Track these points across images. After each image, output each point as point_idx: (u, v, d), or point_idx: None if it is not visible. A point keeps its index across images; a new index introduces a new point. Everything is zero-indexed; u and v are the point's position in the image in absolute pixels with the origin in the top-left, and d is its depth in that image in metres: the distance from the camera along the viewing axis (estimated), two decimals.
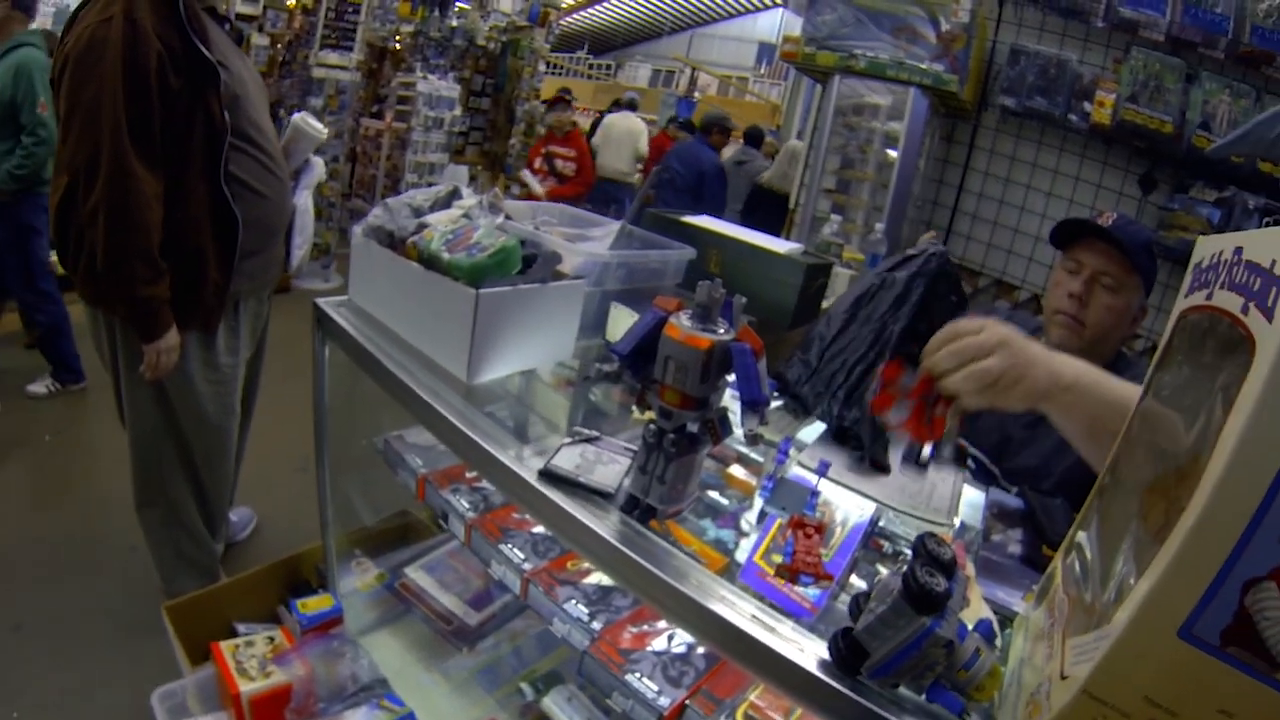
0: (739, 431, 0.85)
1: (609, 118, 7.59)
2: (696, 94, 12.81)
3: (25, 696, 1.96)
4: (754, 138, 7.23)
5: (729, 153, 6.90)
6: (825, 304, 2.14)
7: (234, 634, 1.83)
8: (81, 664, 2.09)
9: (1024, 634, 0.81)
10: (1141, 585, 0.50)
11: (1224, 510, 0.46)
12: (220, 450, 2.18)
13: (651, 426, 0.86)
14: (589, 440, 1.01)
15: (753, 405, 0.79)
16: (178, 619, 1.87)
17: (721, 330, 0.83)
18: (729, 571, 0.98)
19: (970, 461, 1.41)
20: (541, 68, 7.58)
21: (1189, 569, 0.47)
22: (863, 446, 1.22)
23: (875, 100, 3.50)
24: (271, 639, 1.69)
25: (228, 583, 2.07)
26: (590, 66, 16.52)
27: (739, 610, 0.78)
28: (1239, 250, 0.56)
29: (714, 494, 1.16)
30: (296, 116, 2.23)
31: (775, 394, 1.35)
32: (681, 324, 0.82)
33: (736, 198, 6.24)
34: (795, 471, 1.14)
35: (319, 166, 2.34)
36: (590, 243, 1.50)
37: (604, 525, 0.87)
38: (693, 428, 0.86)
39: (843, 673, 0.70)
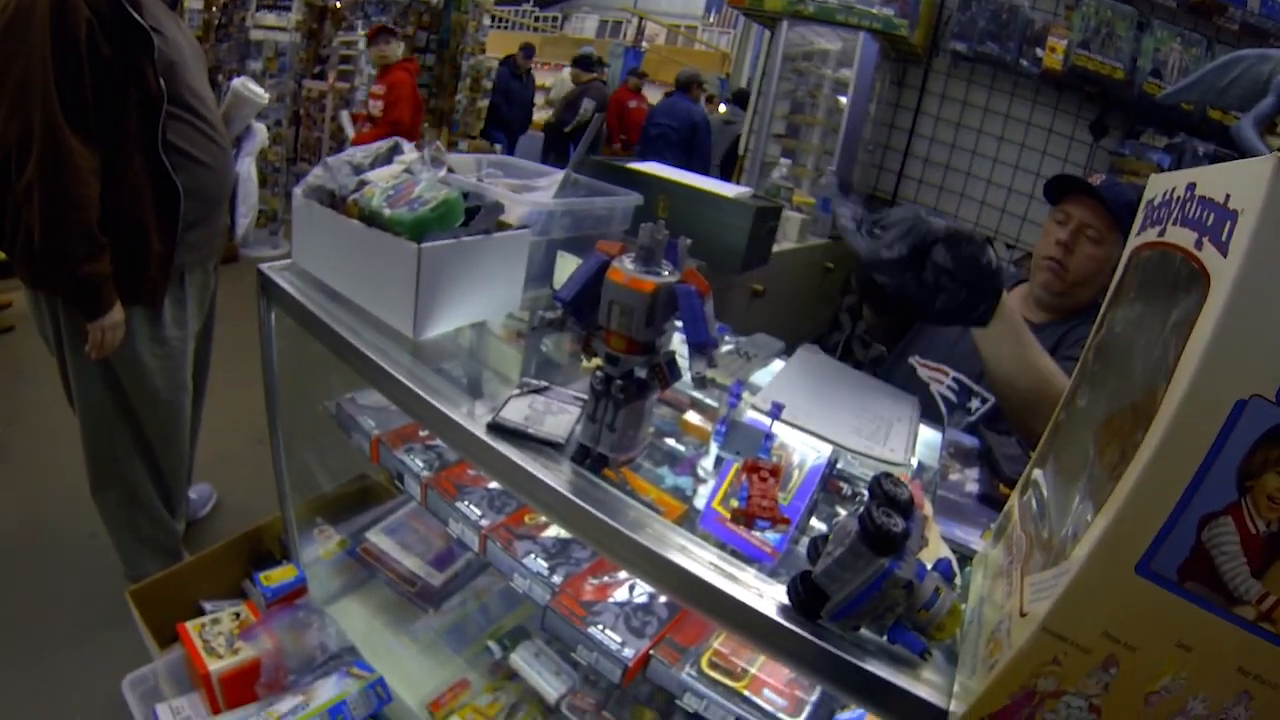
0: (688, 376, 0.84)
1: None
2: (644, 44, 12.62)
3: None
4: (742, 98, 7.19)
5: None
6: (776, 247, 2.14)
7: (201, 613, 1.80)
8: (46, 661, 2.05)
9: (983, 572, 0.82)
10: (1099, 521, 0.51)
11: (1179, 446, 0.47)
12: (174, 427, 2.14)
13: (599, 373, 0.85)
14: (538, 391, 1.00)
15: (700, 348, 0.78)
16: (143, 603, 1.83)
17: (666, 273, 0.82)
18: (688, 518, 0.98)
19: (951, 384, 1.45)
20: (486, 21, 7.37)
21: (1145, 505, 0.48)
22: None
23: (824, 45, 3.47)
24: (237, 614, 1.67)
25: (190, 561, 2.04)
26: (536, 19, 16.14)
27: (696, 558, 0.78)
28: (1191, 186, 0.56)
29: (670, 441, 1.15)
30: (236, 82, 2.14)
31: (725, 337, 1.35)
32: (625, 267, 0.81)
33: (715, 156, 6.27)
34: (749, 415, 1.14)
35: (261, 133, 2.27)
36: (536, 193, 1.47)
37: (556, 477, 0.86)
38: (641, 373, 0.85)
39: (803, 617, 0.71)
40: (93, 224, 1.69)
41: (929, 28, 3.65)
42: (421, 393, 1.01)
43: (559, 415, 0.95)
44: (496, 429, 0.92)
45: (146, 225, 1.79)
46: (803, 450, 1.10)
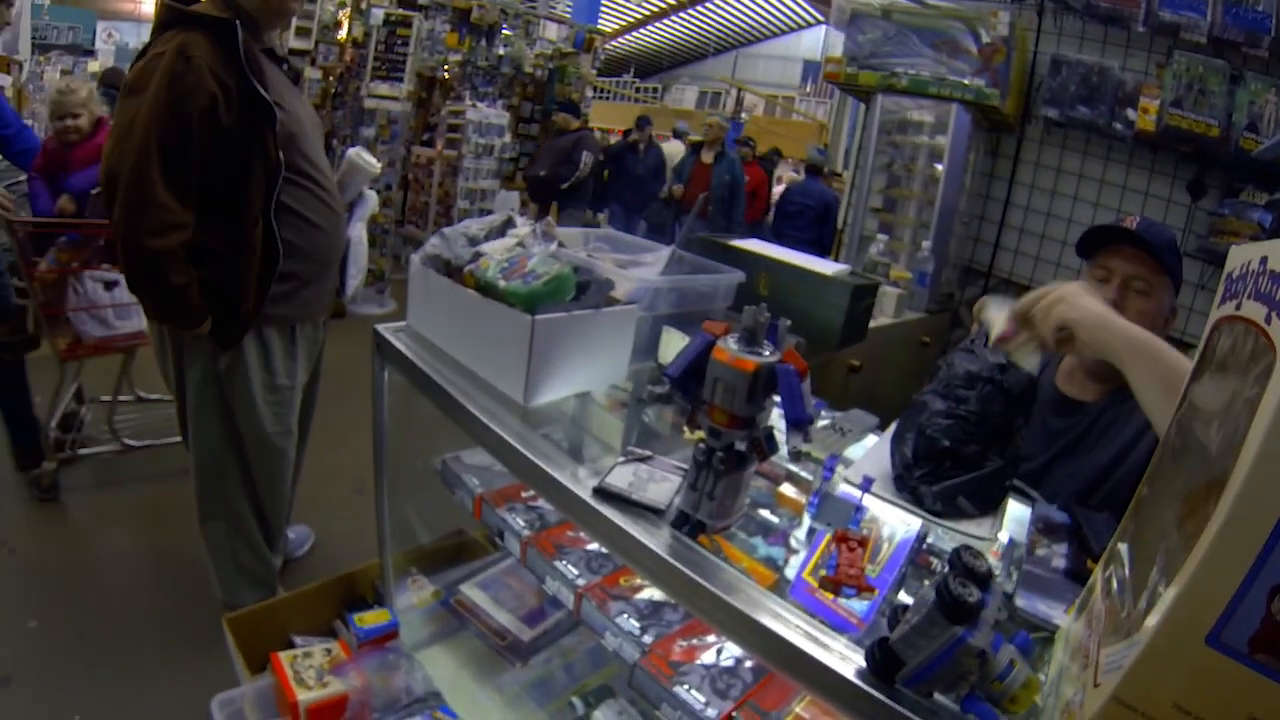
0: (785, 449, 0.88)
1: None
2: (743, 114, 12.83)
3: (88, 702, 2.06)
4: (815, 170, 7.41)
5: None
6: (873, 323, 2.16)
7: (291, 646, 1.88)
8: (142, 672, 2.18)
9: (1064, 646, 0.82)
10: (1169, 593, 0.51)
11: (1247, 517, 0.47)
12: (278, 468, 2.26)
13: (701, 445, 0.90)
14: (642, 460, 1.05)
15: (797, 424, 0.83)
16: (237, 630, 1.92)
17: (767, 352, 0.87)
18: (779, 588, 1.00)
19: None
20: (589, 93, 7.68)
21: (1214, 576, 0.48)
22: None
23: (919, 117, 3.51)
24: (329, 651, 1.74)
25: (286, 596, 2.13)
26: (637, 89, 16.66)
27: (784, 622, 0.81)
28: (1264, 260, 0.57)
29: (765, 512, 1.18)
30: (350, 151, 2.31)
31: (821, 412, 1.37)
32: (729, 347, 0.86)
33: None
34: (842, 488, 1.16)
35: (372, 199, 2.43)
36: (641, 268, 1.54)
37: (656, 540, 0.91)
38: (740, 446, 0.90)
39: (878, 680, 0.73)
40: (165, 275, 1.80)
41: (1020, 95, 3.63)
42: (531, 455, 1.08)
43: (661, 483, 0.99)
44: (602, 493, 0.97)
45: (246, 285, 1.92)
46: (893, 524, 1.11)
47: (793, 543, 1.10)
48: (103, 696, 2.09)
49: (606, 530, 0.95)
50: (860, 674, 0.74)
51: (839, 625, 0.87)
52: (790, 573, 1.00)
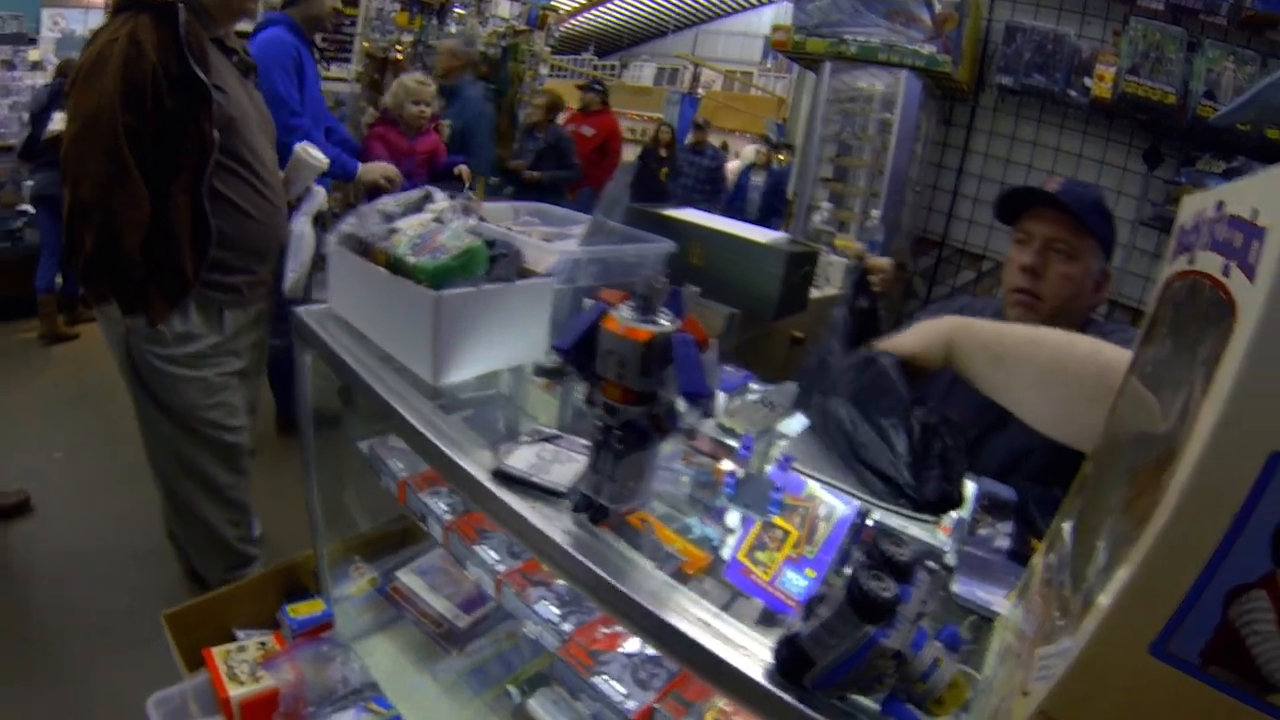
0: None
1: None
2: (700, 90, 12.73)
3: (30, 707, 2.00)
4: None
5: None
6: (817, 293, 2.11)
7: (234, 640, 1.83)
8: (82, 675, 2.11)
9: (1001, 638, 0.76)
10: (1108, 594, 0.44)
11: (1200, 507, 0.40)
12: (230, 452, 2.24)
13: (598, 424, 0.84)
14: (548, 439, 1.00)
15: (693, 398, 0.76)
16: (176, 627, 1.87)
17: (664, 321, 0.81)
18: (714, 569, 0.97)
19: None
20: (544, 70, 7.53)
21: (1161, 576, 0.41)
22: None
23: (870, 85, 3.46)
24: (263, 644, 1.71)
25: (226, 590, 2.07)
26: (595, 68, 16.50)
27: (689, 618, 0.76)
28: (1220, 205, 0.49)
29: (704, 491, 1.13)
30: (298, 146, 2.27)
31: (751, 385, 1.33)
32: (621, 316, 0.80)
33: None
34: (772, 467, 1.11)
35: (320, 195, 2.36)
36: (564, 241, 1.49)
37: (556, 527, 0.85)
38: (641, 423, 0.84)
39: (787, 681, 0.67)
40: (138, 246, 1.85)
41: (974, 63, 3.61)
42: (431, 437, 1.02)
43: (566, 464, 0.94)
44: (501, 476, 0.91)
45: (182, 252, 1.93)
46: (830, 503, 1.06)
47: (729, 522, 1.05)
48: (36, 700, 2.03)
49: (506, 515, 0.89)
50: (769, 675, 0.69)
51: (776, 608, 0.85)
52: (727, 553, 0.96)
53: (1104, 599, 0.44)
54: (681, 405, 0.82)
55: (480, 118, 4.95)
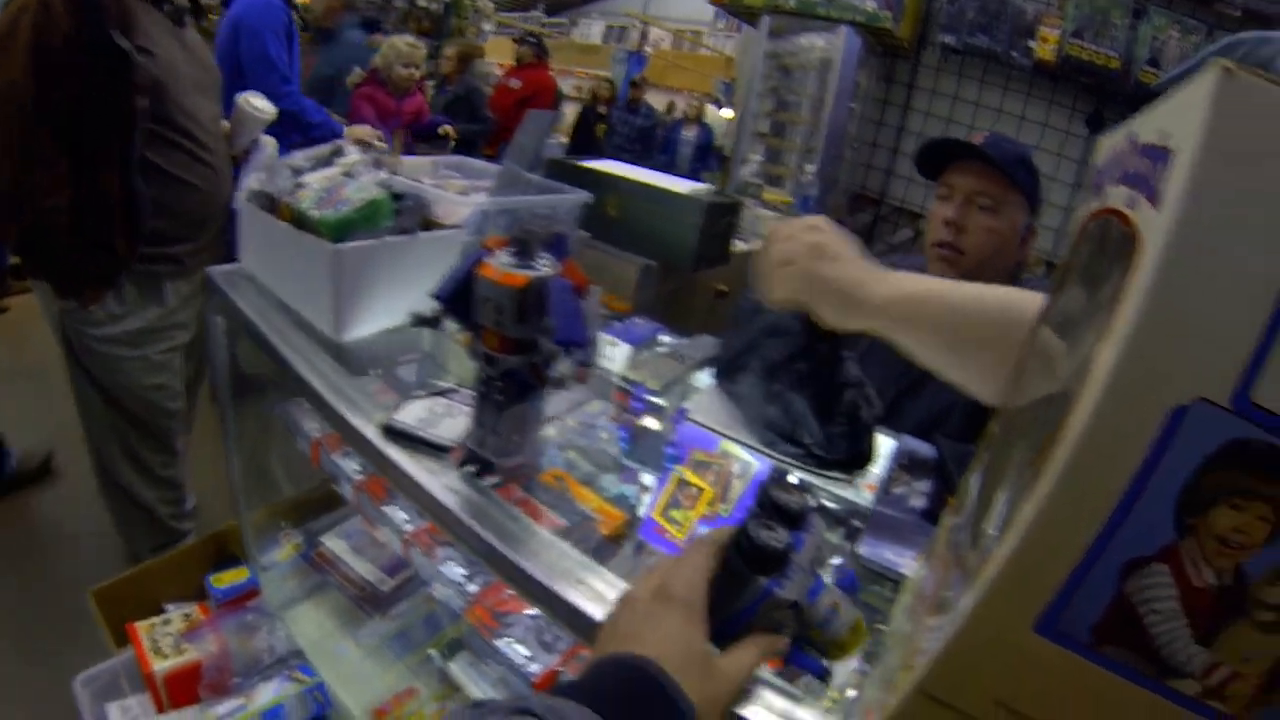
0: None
1: None
2: (648, 48, 12.54)
3: None
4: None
5: None
6: (745, 245, 2.10)
7: (162, 614, 1.80)
8: (8, 656, 2.05)
9: (905, 599, 0.72)
10: (989, 565, 0.40)
11: (1092, 468, 0.35)
12: (165, 433, 2.20)
13: (480, 374, 0.82)
14: (442, 393, 0.97)
15: (568, 345, 0.74)
16: (104, 603, 1.83)
17: (543, 265, 0.78)
18: (630, 528, 0.95)
19: None
20: (487, 27, 7.38)
21: (1047, 546, 0.37)
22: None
23: (808, 42, 3.43)
24: (188, 616, 1.68)
25: (154, 563, 2.03)
26: (543, 25, 16.18)
27: (561, 572, 0.74)
28: (1133, 137, 0.44)
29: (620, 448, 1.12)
30: (239, 98, 2.16)
31: (661, 338, 1.31)
32: (497, 262, 0.77)
33: None
34: (687, 424, 1.09)
35: (269, 147, 2.21)
36: (477, 194, 1.45)
37: (440, 481, 0.83)
38: (522, 373, 0.81)
39: None
40: (63, 227, 1.77)
41: (916, 20, 3.59)
42: (322, 391, 0.99)
43: (457, 418, 0.92)
44: (389, 432, 0.89)
45: (114, 229, 1.84)
46: (745, 458, 1.05)
47: (644, 479, 1.04)
48: None
49: (394, 474, 0.87)
50: None
51: None
52: (643, 512, 0.95)
53: (987, 570, 0.40)
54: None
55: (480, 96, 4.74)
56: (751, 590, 0.59)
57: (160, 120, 1.83)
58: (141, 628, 1.62)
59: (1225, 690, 0.36)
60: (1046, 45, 3.31)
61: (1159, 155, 0.36)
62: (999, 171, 1.37)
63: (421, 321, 0.81)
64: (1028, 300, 0.73)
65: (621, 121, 7.73)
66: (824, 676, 0.65)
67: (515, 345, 0.78)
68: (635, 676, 0.52)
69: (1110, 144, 0.50)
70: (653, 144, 7.91)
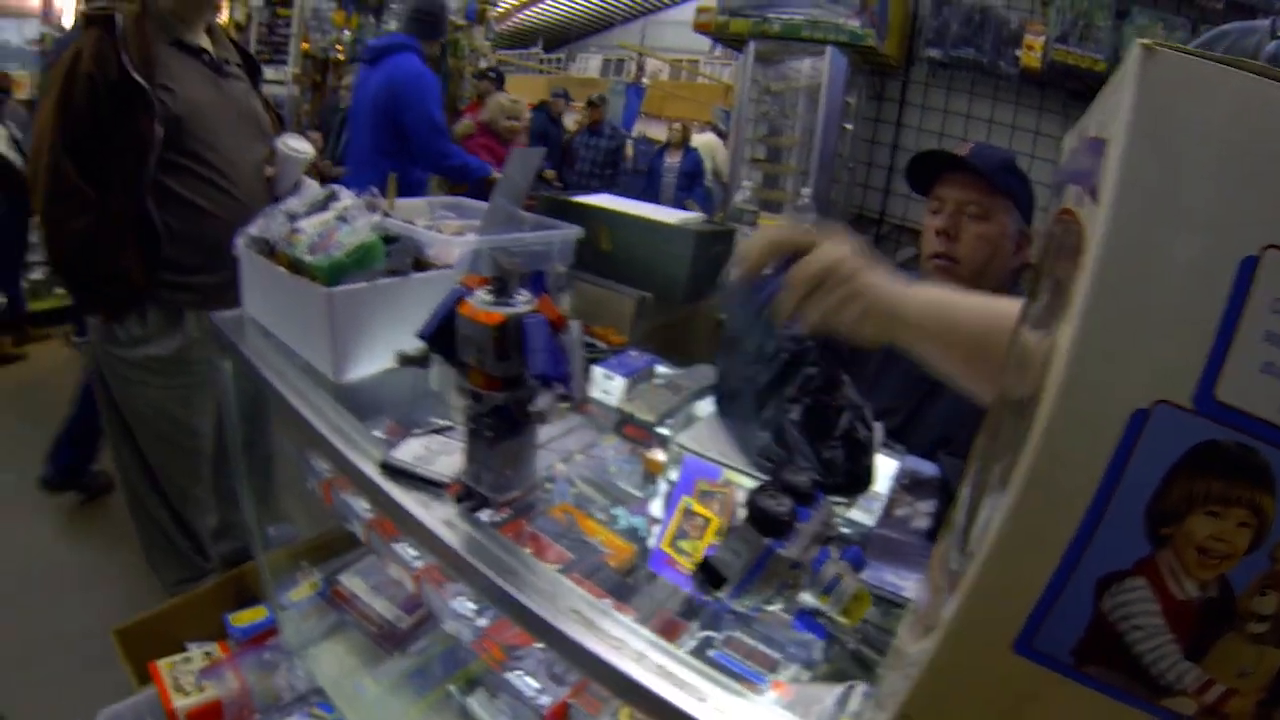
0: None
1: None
2: (645, 79, 12.64)
3: None
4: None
5: None
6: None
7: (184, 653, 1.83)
8: (35, 691, 2.09)
9: (909, 621, 0.74)
10: (965, 580, 0.38)
11: (1055, 478, 0.33)
12: (189, 462, 2.25)
13: (468, 411, 0.84)
14: (439, 430, 1.00)
15: (545, 380, 0.77)
16: (127, 642, 1.86)
17: (521, 302, 0.81)
18: (639, 560, 0.98)
19: None
20: (483, 65, 7.46)
21: (1017, 561, 0.35)
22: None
23: (795, 64, 3.47)
24: (209, 654, 1.71)
25: (175, 602, 2.06)
26: (541, 61, 16.40)
27: (556, 606, 0.76)
28: (1083, 132, 0.43)
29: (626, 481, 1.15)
30: (278, 141, 2.21)
31: (656, 369, 1.33)
32: (475, 300, 0.80)
33: None
34: (690, 455, 1.10)
35: (310, 189, 2.28)
36: (470, 234, 1.49)
37: (438, 518, 0.86)
38: (508, 410, 0.84)
39: (706, 594, 0.73)
40: (80, 250, 1.93)
41: (902, 37, 3.62)
42: (326, 433, 1.02)
43: (454, 455, 0.94)
44: (386, 468, 0.92)
45: (127, 254, 1.96)
46: (749, 486, 1.05)
47: (653, 510, 1.06)
48: None
49: (395, 512, 0.89)
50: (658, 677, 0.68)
51: (701, 598, 0.84)
52: (653, 543, 0.96)
53: (959, 590, 0.38)
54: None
55: None
56: (757, 547, 0.69)
57: (180, 151, 1.95)
58: (163, 666, 1.66)
59: (1224, 708, 0.34)
60: (1032, 53, 3.32)
61: (1098, 147, 0.35)
62: (985, 179, 1.40)
63: (409, 361, 0.84)
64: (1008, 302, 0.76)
65: (584, 145, 6.96)
66: (828, 641, 0.74)
67: (500, 382, 0.81)
68: None
69: (1068, 142, 0.48)
70: (619, 166, 7.17)
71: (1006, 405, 0.52)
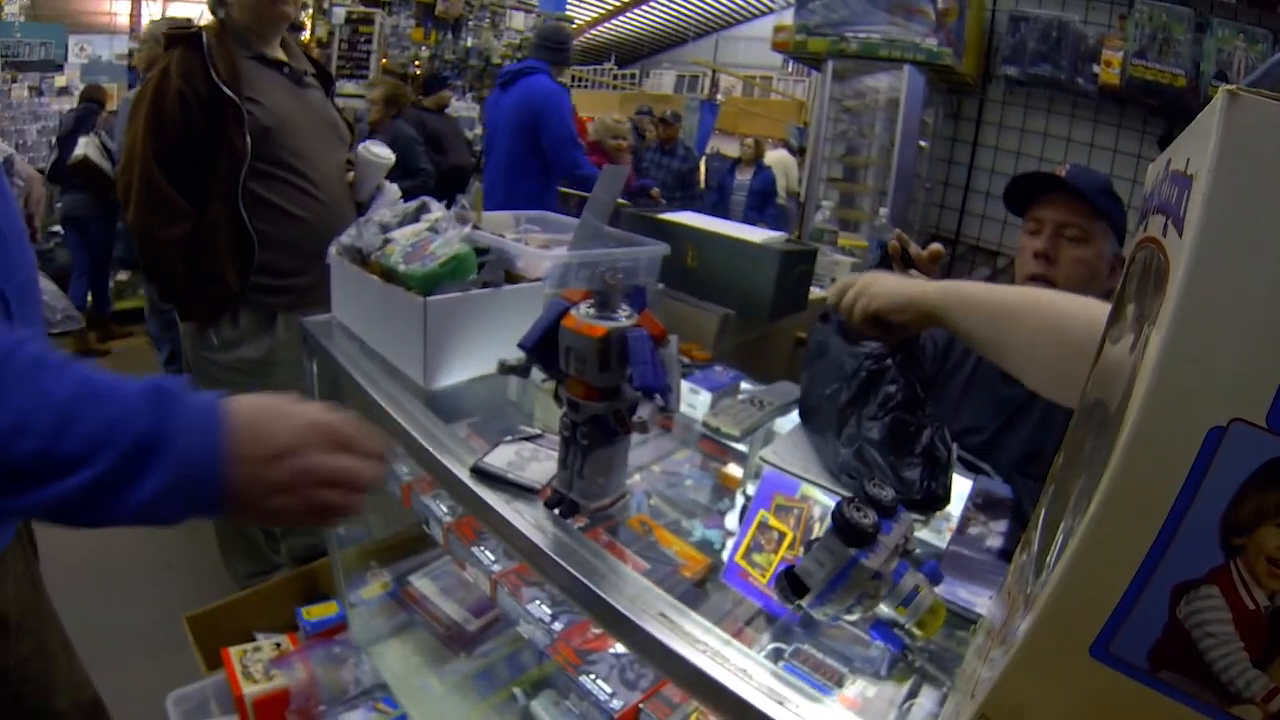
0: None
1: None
2: (719, 96, 12.64)
3: None
4: None
5: None
6: (820, 292, 2.11)
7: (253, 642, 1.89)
8: (108, 675, 2.17)
9: (977, 637, 0.74)
10: (1047, 587, 0.39)
11: (1135, 492, 0.35)
12: None
13: (565, 420, 0.87)
14: (529, 438, 1.02)
15: (647, 391, 0.78)
16: (198, 629, 1.94)
17: (623, 316, 0.83)
18: (713, 572, 0.99)
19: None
20: (565, 81, 7.59)
21: (1097, 569, 0.36)
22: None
23: (873, 83, 3.45)
24: (278, 645, 1.77)
25: (246, 594, 2.13)
26: (615, 77, 16.57)
27: (647, 611, 0.76)
28: (1168, 163, 0.44)
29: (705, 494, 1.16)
30: (360, 148, 2.31)
31: (741, 385, 1.34)
32: (579, 313, 0.82)
33: None
34: (769, 468, 1.11)
35: (390, 192, 2.37)
36: (559, 248, 1.52)
37: (529, 521, 0.88)
38: (605, 419, 0.86)
39: (787, 603, 0.75)
40: (176, 258, 2.02)
41: (979, 55, 3.56)
42: (418, 436, 1.05)
43: (544, 462, 0.96)
44: (478, 473, 0.94)
45: (223, 260, 2.06)
46: (825, 502, 1.04)
47: (729, 524, 1.07)
48: None
49: (483, 512, 0.92)
50: (740, 680, 0.69)
51: (772, 610, 0.87)
52: (726, 555, 0.97)
53: (1041, 595, 0.40)
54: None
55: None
56: (841, 557, 0.70)
57: (269, 160, 2.04)
58: (234, 653, 1.72)
59: None
60: (1110, 69, 3.24)
61: (1183, 182, 0.37)
62: (1085, 202, 1.39)
63: (509, 369, 0.87)
64: (1082, 303, 0.82)
65: (655, 164, 6.61)
66: (904, 651, 0.74)
67: (599, 393, 0.83)
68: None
69: (1154, 170, 0.51)
70: (694, 191, 6.91)
71: (1088, 423, 0.54)
